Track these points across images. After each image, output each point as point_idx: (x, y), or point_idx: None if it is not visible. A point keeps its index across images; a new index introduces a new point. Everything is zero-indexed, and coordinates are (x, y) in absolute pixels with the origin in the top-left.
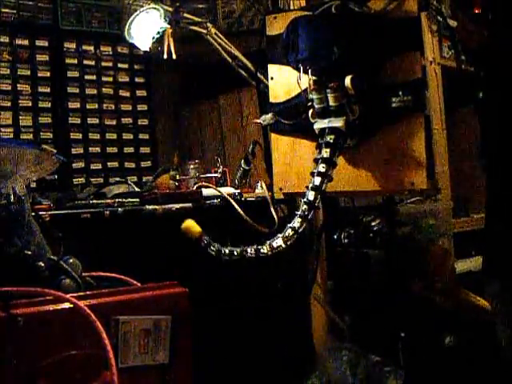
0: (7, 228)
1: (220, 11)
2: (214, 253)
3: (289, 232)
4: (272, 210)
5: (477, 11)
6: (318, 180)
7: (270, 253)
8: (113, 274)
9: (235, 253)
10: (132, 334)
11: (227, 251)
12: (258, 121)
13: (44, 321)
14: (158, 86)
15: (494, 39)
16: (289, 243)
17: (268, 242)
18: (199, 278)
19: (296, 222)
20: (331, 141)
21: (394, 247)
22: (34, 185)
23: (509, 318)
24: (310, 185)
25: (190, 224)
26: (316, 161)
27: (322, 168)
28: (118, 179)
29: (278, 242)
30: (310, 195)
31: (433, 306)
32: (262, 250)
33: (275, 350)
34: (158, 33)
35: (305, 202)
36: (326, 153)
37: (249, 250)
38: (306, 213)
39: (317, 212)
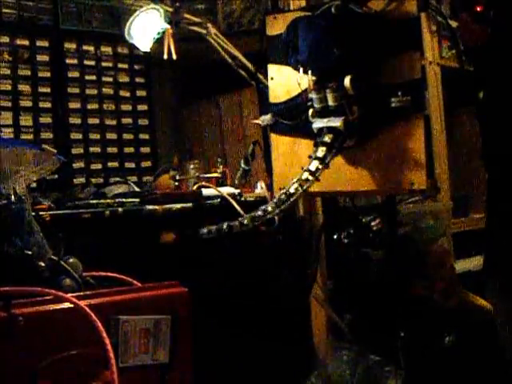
0: (8, 228)
1: (220, 11)
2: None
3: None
4: None
5: (479, 9)
6: (305, 175)
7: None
8: (113, 274)
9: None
10: (132, 334)
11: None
12: (258, 121)
13: (44, 321)
14: (158, 86)
15: (496, 37)
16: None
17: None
18: (199, 277)
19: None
20: (328, 140)
21: (393, 247)
22: (34, 185)
23: (509, 318)
24: (296, 178)
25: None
26: (310, 158)
27: (312, 166)
28: (118, 179)
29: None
30: (292, 188)
31: (433, 305)
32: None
33: (275, 350)
34: (158, 33)
35: (284, 194)
36: (321, 152)
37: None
38: (281, 202)
39: (316, 212)
